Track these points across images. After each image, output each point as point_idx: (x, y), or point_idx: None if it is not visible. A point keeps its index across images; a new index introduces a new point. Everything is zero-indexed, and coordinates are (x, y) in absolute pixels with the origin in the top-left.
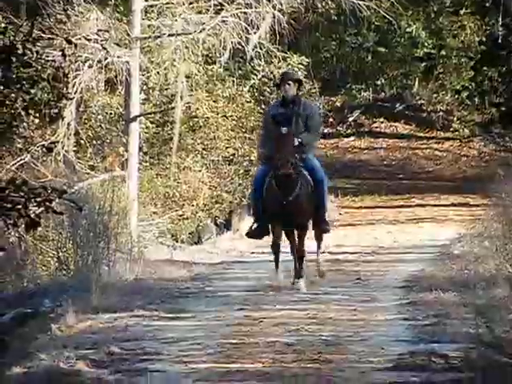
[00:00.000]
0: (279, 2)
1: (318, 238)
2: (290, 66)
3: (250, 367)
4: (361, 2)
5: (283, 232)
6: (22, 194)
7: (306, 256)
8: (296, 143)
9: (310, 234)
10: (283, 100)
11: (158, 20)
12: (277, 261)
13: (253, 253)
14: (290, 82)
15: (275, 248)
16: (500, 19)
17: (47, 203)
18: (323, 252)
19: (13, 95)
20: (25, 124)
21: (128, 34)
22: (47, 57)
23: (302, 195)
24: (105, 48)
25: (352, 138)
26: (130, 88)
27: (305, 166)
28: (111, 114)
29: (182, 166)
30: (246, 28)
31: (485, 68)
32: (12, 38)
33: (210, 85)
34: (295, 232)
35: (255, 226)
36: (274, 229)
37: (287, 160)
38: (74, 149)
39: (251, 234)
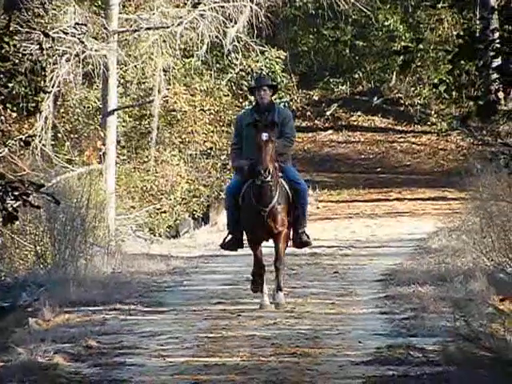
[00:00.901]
0: None
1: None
2: (267, 60)
3: (229, 361)
4: None
5: (262, 242)
6: None
7: (284, 267)
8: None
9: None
10: (257, 106)
11: (135, 14)
12: (262, 282)
13: None
14: (265, 88)
15: (257, 263)
16: (477, 13)
17: (24, 197)
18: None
19: None
20: (2, 117)
21: (105, 28)
22: (25, 50)
23: (280, 206)
24: (82, 42)
25: (329, 132)
26: (108, 82)
27: (284, 176)
28: (89, 107)
29: (159, 159)
30: (223, 22)
31: (462, 62)
32: None
33: (187, 78)
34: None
35: (229, 237)
36: (252, 243)
37: (267, 168)
38: (52, 142)
39: (225, 246)
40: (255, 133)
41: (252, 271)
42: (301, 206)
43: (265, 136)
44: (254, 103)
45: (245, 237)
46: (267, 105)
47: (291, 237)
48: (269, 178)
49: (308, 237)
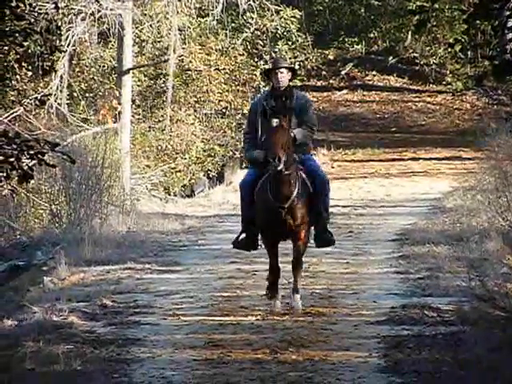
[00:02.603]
0: None
1: (295, 271)
2: (282, 19)
3: (243, 320)
4: None
5: (279, 242)
6: (15, 146)
7: (302, 267)
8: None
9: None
10: (273, 91)
11: None
12: (275, 286)
13: None
14: (282, 71)
15: (273, 271)
16: None
17: (40, 156)
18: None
19: (5, 48)
20: (17, 77)
21: None
22: (40, 9)
23: (299, 202)
24: (98, 0)
25: (345, 91)
26: (123, 41)
27: (303, 168)
28: (104, 66)
29: (174, 119)
30: None
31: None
32: None
33: (202, 38)
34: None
35: (243, 236)
36: (267, 243)
37: (276, 155)
38: (67, 102)
39: (238, 246)
40: (266, 120)
41: (267, 277)
42: (322, 200)
43: (275, 122)
44: (270, 87)
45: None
46: (284, 89)
47: (312, 235)
48: (281, 166)
49: (331, 234)
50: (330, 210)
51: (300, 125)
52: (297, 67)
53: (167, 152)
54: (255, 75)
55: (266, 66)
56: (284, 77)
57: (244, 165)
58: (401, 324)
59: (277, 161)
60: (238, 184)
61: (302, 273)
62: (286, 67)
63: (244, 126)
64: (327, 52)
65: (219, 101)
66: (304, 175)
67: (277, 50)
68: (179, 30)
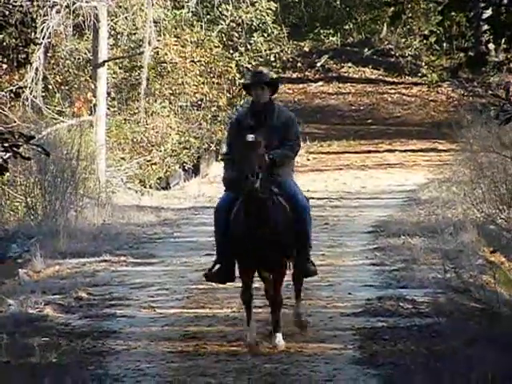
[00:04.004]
0: None
1: (298, 281)
2: (258, 11)
3: (219, 312)
4: None
5: (255, 272)
6: None
7: (282, 303)
8: (267, 158)
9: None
10: (253, 107)
11: None
12: (249, 315)
13: None
14: (263, 86)
15: (246, 298)
16: None
17: (15, 148)
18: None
19: None
20: None
21: None
22: (15, 1)
23: (277, 228)
24: None
25: (320, 83)
26: (98, 33)
27: (282, 193)
28: (79, 59)
29: (149, 111)
30: None
31: (453, 13)
32: None
33: (178, 30)
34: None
35: (217, 267)
36: (243, 272)
37: (253, 171)
38: (42, 94)
39: (211, 278)
40: (242, 136)
41: (240, 297)
42: (302, 227)
43: (250, 138)
44: (250, 102)
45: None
46: (265, 105)
47: (291, 265)
48: (257, 184)
49: (313, 264)
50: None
51: (282, 142)
52: (272, 59)
53: (142, 144)
54: (231, 67)
55: (245, 80)
56: (263, 92)
57: (220, 157)
58: (376, 316)
59: (254, 177)
60: (214, 209)
61: (281, 309)
62: (265, 82)
63: (223, 147)
64: (302, 44)
65: (194, 93)
66: (282, 199)
67: (252, 41)
68: (154, 22)
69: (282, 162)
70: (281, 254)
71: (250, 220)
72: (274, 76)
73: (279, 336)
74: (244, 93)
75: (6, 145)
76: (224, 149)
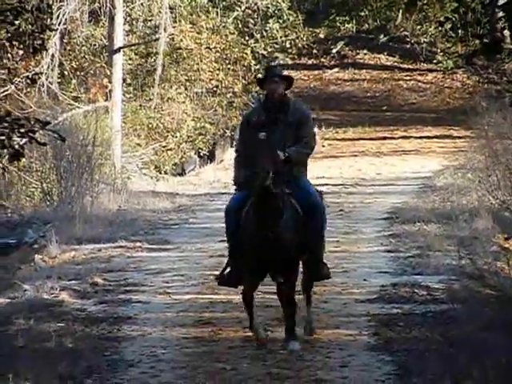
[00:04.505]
0: None
1: (307, 287)
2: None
3: (233, 298)
4: None
5: (259, 285)
6: (6, 125)
7: (296, 308)
8: (281, 157)
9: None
10: (266, 102)
11: None
12: (251, 316)
13: None
14: (276, 80)
15: (247, 300)
16: None
17: (31, 134)
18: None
19: None
20: (9, 55)
21: None
22: None
23: (288, 230)
24: None
25: (335, 70)
26: (114, 19)
27: (295, 193)
28: (95, 45)
29: (165, 97)
30: None
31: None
32: None
33: (193, 16)
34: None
35: (228, 270)
36: (249, 275)
37: (265, 169)
38: (58, 80)
39: (223, 281)
40: (254, 135)
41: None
42: (315, 229)
43: (262, 135)
44: (263, 98)
45: None
46: (279, 100)
47: (303, 268)
48: (269, 181)
49: (327, 268)
50: (321, 188)
51: (297, 140)
52: (288, 46)
53: (158, 130)
54: (246, 54)
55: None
56: (278, 86)
57: (234, 143)
58: (391, 302)
59: (266, 174)
60: (224, 210)
61: (295, 311)
62: (279, 76)
63: (235, 143)
64: (318, 31)
65: (210, 79)
66: (294, 201)
67: (267, 28)
68: (170, 8)
69: (298, 159)
70: (291, 254)
71: (261, 218)
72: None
73: (295, 343)
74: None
75: (22, 130)
76: (235, 147)
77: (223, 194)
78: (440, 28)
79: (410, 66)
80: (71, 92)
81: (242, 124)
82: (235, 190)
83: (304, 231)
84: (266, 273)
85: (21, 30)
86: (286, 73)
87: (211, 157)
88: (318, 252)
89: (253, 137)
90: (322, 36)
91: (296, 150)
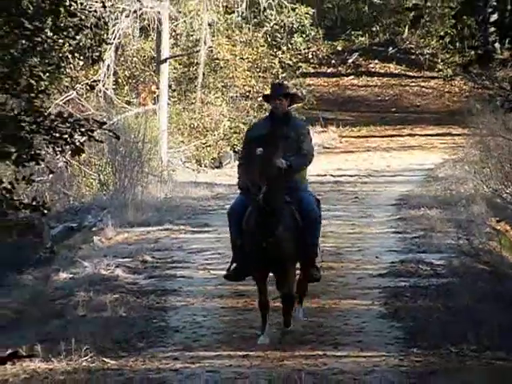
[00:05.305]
0: None
1: (302, 286)
2: (297, 15)
3: None
4: None
5: (268, 275)
6: (68, 125)
7: (294, 302)
8: (284, 166)
9: None
10: (271, 117)
11: None
12: (264, 322)
13: None
14: (280, 98)
15: (262, 306)
16: None
17: (90, 133)
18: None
19: (61, 41)
20: (71, 65)
21: None
22: (90, 7)
23: (286, 236)
24: (139, 0)
25: (351, 77)
26: (161, 34)
27: (294, 201)
28: (145, 56)
29: (205, 101)
30: None
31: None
32: None
33: (229, 31)
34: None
35: (234, 266)
36: (256, 276)
37: (256, 184)
38: (113, 86)
39: (230, 276)
40: (256, 148)
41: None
42: (311, 235)
43: (259, 151)
44: (269, 112)
45: None
46: (282, 115)
47: (299, 270)
48: (260, 197)
49: (319, 271)
50: (339, 178)
51: (297, 151)
52: (310, 57)
53: (199, 129)
54: (274, 63)
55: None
56: (281, 104)
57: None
58: (399, 276)
59: (257, 190)
60: (227, 211)
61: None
62: (283, 94)
63: (240, 152)
64: (336, 43)
65: (243, 85)
66: (292, 207)
67: (292, 41)
68: (209, 24)
69: (298, 168)
70: (288, 258)
71: (259, 227)
72: (293, 90)
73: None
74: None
75: (83, 130)
76: (241, 155)
77: None
78: (440, 41)
79: (415, 74)
80: (124, 97)
81: (246, 135)
82: (239, 193)
83: (299, 239)
84: (269, 271)
85: (81, 44)
86: (289, 90)
87: None
88: (313, 258)
89: (253, 150)
90: (339, 48)
91: (296, 160)
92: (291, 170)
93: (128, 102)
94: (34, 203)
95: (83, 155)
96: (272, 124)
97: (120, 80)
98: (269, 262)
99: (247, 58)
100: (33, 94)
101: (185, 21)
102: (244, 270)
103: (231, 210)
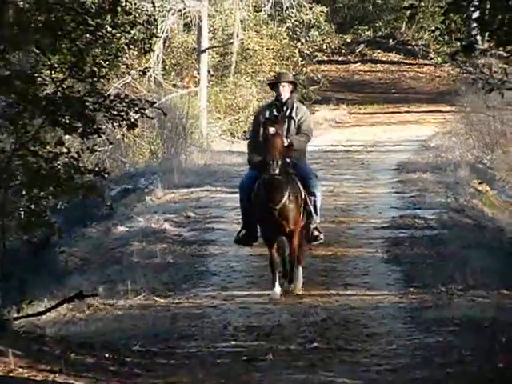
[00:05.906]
0: None
1: (302, 247)
2: (314, 13)
3: None
4: None
5: (276, 239)
6: (125, 104)
7: (296, 260)
8: (286, 143)
9: None
10: (276, 102)
11: None
12: (274, 277)
13: None
14: (284, 84)
15: (272, 264)
16: None
17: (142, 111)
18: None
19: (118, 35)
20: (127, 55)
21: None
22: (142, 7)
23: (292, 203)
24: (183, 1)
25: (358, 64)
26: (201, 29)
27: (296, 173)
28: (187, 47)
29: (237, 84)
30: None
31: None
32: None
33: (257, 26)
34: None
35: (243, 232)
36: (265, 240)
37: (274, 159)
38: (162, 72)
39: (239, 241)
40: (266, 128)
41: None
42: (313, 202)
43: (272, 130)
44: (274, 98)
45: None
46: (286, 101)
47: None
48: (277, 171)
49: (319, 231)
50: (349, 148)
51: (298, 132)
52: (324, 47)
53: (232, 108)
54: (295, 53)
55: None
56: (285, 90)
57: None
58: (399, 228)
59: (274, 164)
60: (238, 185)
61: (299, 271)
62: (287, 81)
63: (248, 132)
64: (346, 36)
65: (269, 71)
66: (296, 178)
67: (310, 35)
68: (241, 21)
69: (298, 146)
70: (294, 225)
71: (268, 196)
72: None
73: (297, 283)
74: (303, 69)
75: (136, 108)
76: (250, 134)
77: None
78: (432, 34)
79: (411, 62)
80: (171, 81)
81: (255, 117)
82: (249, 168)
83: (303, 208)
84: (277, 235)
85: (135, 37)
86: (291, 78)
87: None
88: (314, 219)
89: (264, 129)
90: (348, 40)
91: (297, 139)
92: (293, 147)
93: (174, 85)
94: (96, 169)
95: (137, 129)
96: (277, 107)
97: (167, 67)
98: (277, 226)
99: (272, 48)
100: (95, 79)
101: (221, 18)
102: (252, 236)
103: (242, 183)
